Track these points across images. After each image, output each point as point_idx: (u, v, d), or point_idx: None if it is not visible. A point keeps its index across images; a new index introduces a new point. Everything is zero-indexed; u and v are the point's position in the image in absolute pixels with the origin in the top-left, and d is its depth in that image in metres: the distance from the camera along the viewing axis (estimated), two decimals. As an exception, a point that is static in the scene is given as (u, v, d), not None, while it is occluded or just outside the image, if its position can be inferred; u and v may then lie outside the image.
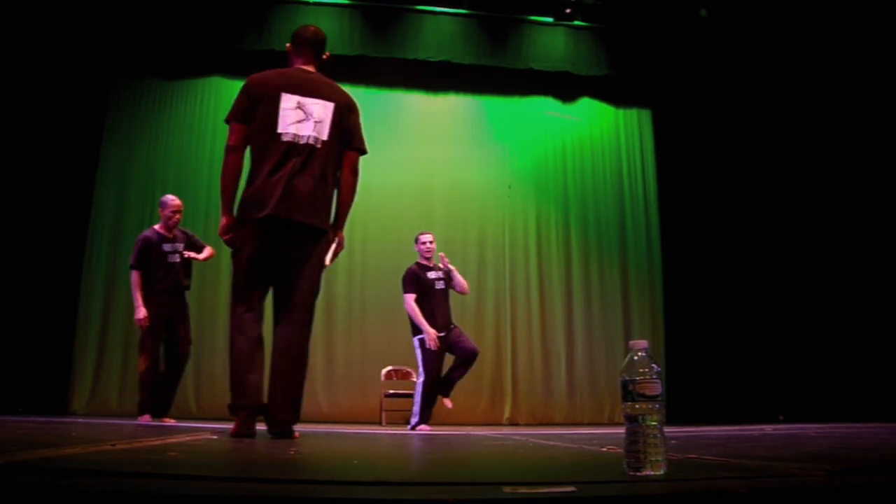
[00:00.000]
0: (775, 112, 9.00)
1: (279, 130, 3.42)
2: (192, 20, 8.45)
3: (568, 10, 9.00)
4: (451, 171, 9.08)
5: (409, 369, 7.95)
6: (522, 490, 1.18)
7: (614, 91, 9.65)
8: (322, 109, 3.49)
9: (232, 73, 9.03)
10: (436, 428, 6.01)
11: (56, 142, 8.10)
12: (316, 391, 8.27)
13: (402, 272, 6.16)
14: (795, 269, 8.77)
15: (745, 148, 9.08)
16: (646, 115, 9.78)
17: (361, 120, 3.67)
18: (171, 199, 6.16)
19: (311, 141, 3.43)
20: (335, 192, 3.58)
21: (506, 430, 6.10)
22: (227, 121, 3.54)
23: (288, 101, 3.46)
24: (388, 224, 8.77)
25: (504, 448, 2.88)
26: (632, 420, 1.44)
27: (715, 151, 9.09)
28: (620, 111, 9.73)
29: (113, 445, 2.19)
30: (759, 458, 1.94)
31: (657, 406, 1.43)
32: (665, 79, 9.31)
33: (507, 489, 1.18)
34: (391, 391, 7.69)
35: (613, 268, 9.16)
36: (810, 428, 4.97)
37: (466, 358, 5.93)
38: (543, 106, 9.53)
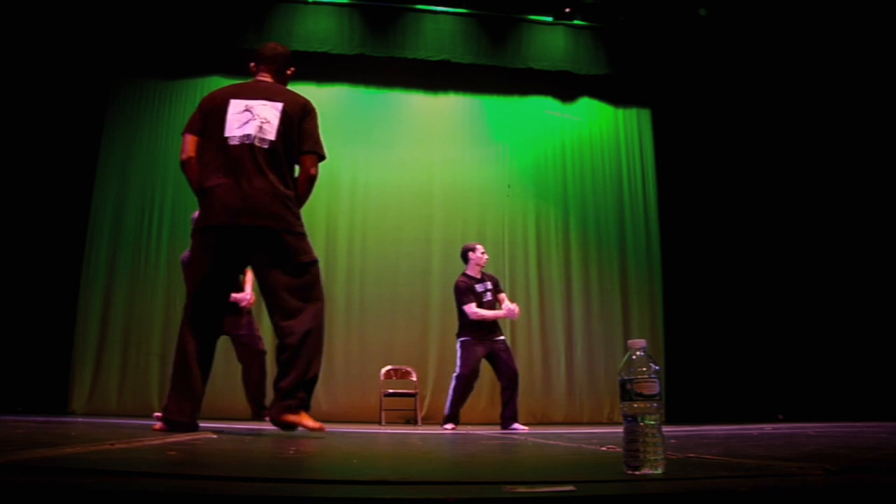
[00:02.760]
0: (775, 111, 9.00)
1: (226, 135, 3.45)
2: (191, 19, 8.44)
3: (567, 10, 9.00)
4: (450, 171, 9.08)
5: (408, 368, 7.96)
6: (522, 489, 1.18)
7: (614, 90, 9.65)
8: (269, 110, 3.51)
9: (232, 72, 8.98)
10: (436, 427, 6.02)
11: (56, 141, 8.09)
12: (315, 390, 8.24)
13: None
14: (795, 268, 8.78)
15: (745, 147, 9.08)
16: (645, 114, 9.77)
17: (319, 124, 3.66)
18: None
19: (255, 142, 3.43)
20: (292, 191, 3.54)
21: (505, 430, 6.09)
22: (182, 133, 3.59)
23: (235, 107, 3.51)
24: (387, 224, 8.78)
25: (503, 447, 2.88)
26: (630, 419, 1.44)
27: (714, 151, 9.09)
28: (620, 110, 9.73)
29: (112, 445, 2.19)
30: (758, 457, 1.94)
31: (655, 405, 1.43)
32: (665, 78, 9.31)
33: (507, 488, 1.18)
34: (390, 390, 7.69)
35: (613, 267, 9.16)
36: (810, 427, 4.98)
37: (510, 379, 5.97)
38: (543, 105, 9.53)
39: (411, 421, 7.71)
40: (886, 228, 8.42)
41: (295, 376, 3.43)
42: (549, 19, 9.11)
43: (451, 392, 6.06)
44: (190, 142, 3.52)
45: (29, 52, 8.02)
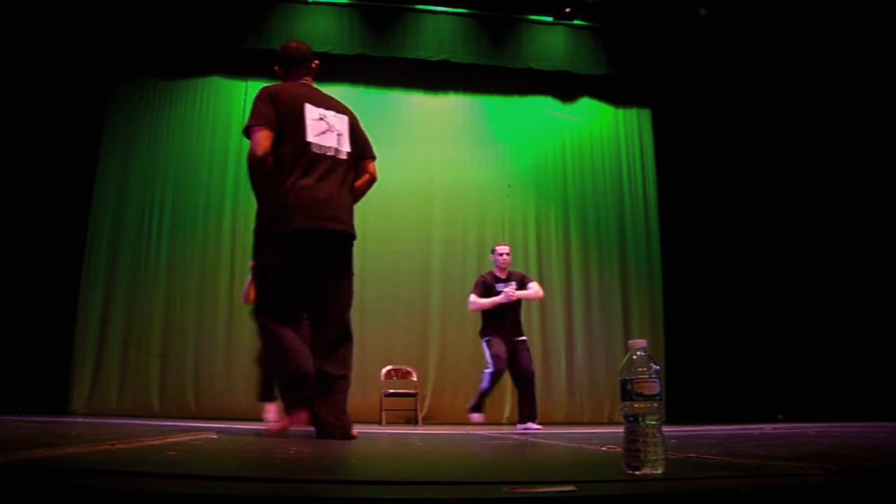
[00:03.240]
0: (775, 111, 9.00)
1: (308, 140, 3.42)
2: (191, 20, 8.44)
3: (568, 10, 9.00)
4: (450, 171, 9.08)
5: (408, 369, 7.96)
6: (522, 489, 1.18)
7: (614, 90, 9.65)
8: (340, 122, 3.59)
9: (231, 72, 9.04)
10: (436, 427, 6.03)
11: (55, 141, 8.09)
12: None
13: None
14: (795, 269, 8.77)
15: (745, 147, 9.08)
16: (645, 114, 9.77)
17: None
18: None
19: (333, 153, 3.49)
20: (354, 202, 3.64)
21: (506, 429, 6.10)
22: (250, 126, 3.40)
23: (311, 112, 3.49)
24: (387, 224, 8.77)
25: (504, 447, 2.88)
26: (631, 419, 1.44)
27: (715, 151, 9.09)
28: (620, 111, 9.73)
29: (112, 445, 2.19)
30: (759, 457, 1.94)
31: (655, 405, 1.43)
32: (665, 78, 9.31)
33: (507, 488, 1.18)
34: (391, 391, 7.68)
35: (613, 267, 9.16)
36: (810, 427, 4.98)
37: (524, 380, 6.09)
38: (543, 105, 9.53)
39: (412, 421, 7.71)
40: (886, 229, 8.41)
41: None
42: (550, 19, 9.11)
43: (482, 386, 6.13)
44: (267, 138, 3.36)
45: (29, 53, 8.02)
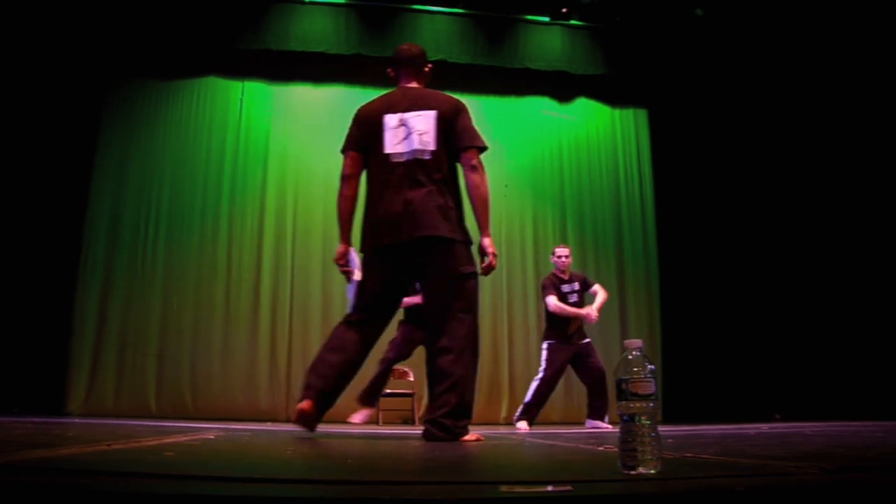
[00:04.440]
0: (771, 110, 9.01)
1: (386, 151, 3.44)
2: (187, 19, 8.44)
3: (564, 10, 9.01)
4: (447, 171, 9.06)
5: (405, 369, 7.94)
6: (519, 489, 1.18)
7: (610, 90, 9.66)
8: (424, 121, 3.46)
9: (228, 72, 9.03)
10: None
11: (52, 142, 8.09)
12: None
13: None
14: (792, 268, 8.79)
15: (742, 147, 9.09)
16: (642, 114, 9.79)
17: (472, 117, 3.62)
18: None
19: (417, 155, 3.40)
20: (458, 197, 3.51)
21: (503, 430, 6.10)
22: (342, 151, 3.60)
23: (390, 121, 3.47)
24: (384, 224, 8.77)
25: (501, 447, 2.88)
26: (626, 419, 1.44)
27: (711, 150, 9.10)
28: (617, 111, 9.74)
29: (109, 445, 2.19)
30: (755, 457, 1.95)
31: (651, 405, 1.43)
32: (661, 78, 9.32)
33: (504, 488, 1.19)
34: (388, 391, 7.66)
35: (610, 267, 9.17)
36: (807, 426, 4.98)
37: (598, 378, 6.15)
38: (540, 105, 9.54)
39: (409, 421, 7.71)
40: (881, 228, 8.42)
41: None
42: (546, 19, 9.12)
43: (530, 393, 6.13)
44: (351, 158, 3.54)
45: (26, 52, 8.00)
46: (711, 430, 4.71)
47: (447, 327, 3.35)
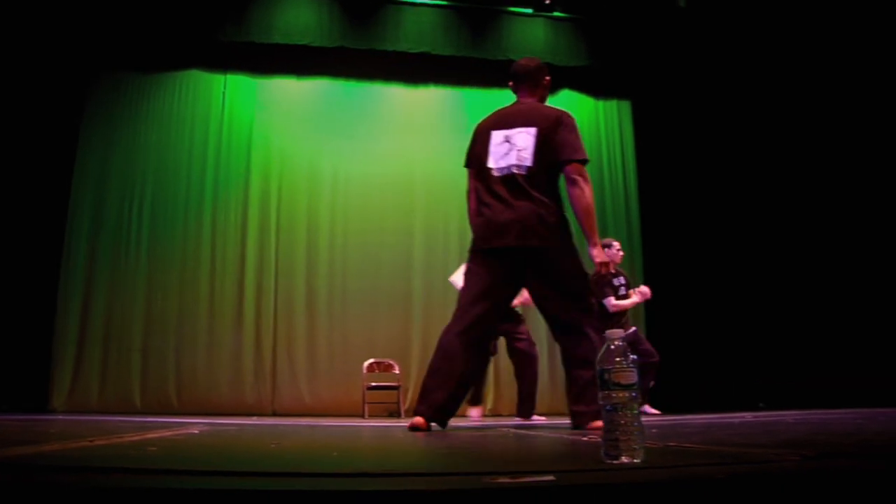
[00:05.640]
0: (755, 102, 9.05)
1: (489, 166, 3.68)
2: (169, 11, 8.37)
3: (547, 1, 9.03)
4: (431, 163, 9.07)
5: (390, 361, 7.96)
6: (501, 480, 1.18)
7: (594, 82, 9.68)
8: (525, 137, 3.66)
9: (210, 65, 8.98)
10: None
11: (32, 136, 8.01)
12: (298, 384, 8.28)
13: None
14: (775, 258, 8.83)
15: (725, 138, 9.13)
16: (625, 106, 9.82)
17: (576, 130, 3.78)
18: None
19: (514, 170, 3.61)
20: (558, 208, 3.67)
21: (488, 421, 6.12)
22: (465, 167, 3.90)
23: (496, 138, 3.72)
24: (368, 216, 8.79)
25: (485, 438, 2.89)
26: (608, 409, 1.45)
27: (695, 142, 9.13)
28: (600, 102, 9.76)
29: (91, 441, 2.18)
30: (737, 445, 1.96)
31: (633, 394, 1.44)
32: (645, 70, 9.35)
33: (487, 479, 1.19)
34: (373, 384, 7.68)
35: (594, 257, 9.18)
36: (790, 415, 5.02)
37: (647, 363, 6.20)
38: (523, 97, 9.52)
39: (395, 414, 7.71)
40: (863, 217, 8.48)
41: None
42: (530, 11, 9.12)
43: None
44: (470, 175, 3.84)
45: (3, 45, 7.91)
46: (695, 419, 4.74)
47: (560, 319, 3.62)
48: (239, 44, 8.56)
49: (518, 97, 3.93)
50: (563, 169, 3.64)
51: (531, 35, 9.13)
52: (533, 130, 3.65)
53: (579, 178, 3.60)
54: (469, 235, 3.79)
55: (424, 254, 8.80)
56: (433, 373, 3.60)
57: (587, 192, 3.61)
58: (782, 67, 8.84)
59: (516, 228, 3.51)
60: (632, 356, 1.47)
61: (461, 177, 9.36)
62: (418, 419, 3.52)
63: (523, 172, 3.59)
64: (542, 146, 3.62)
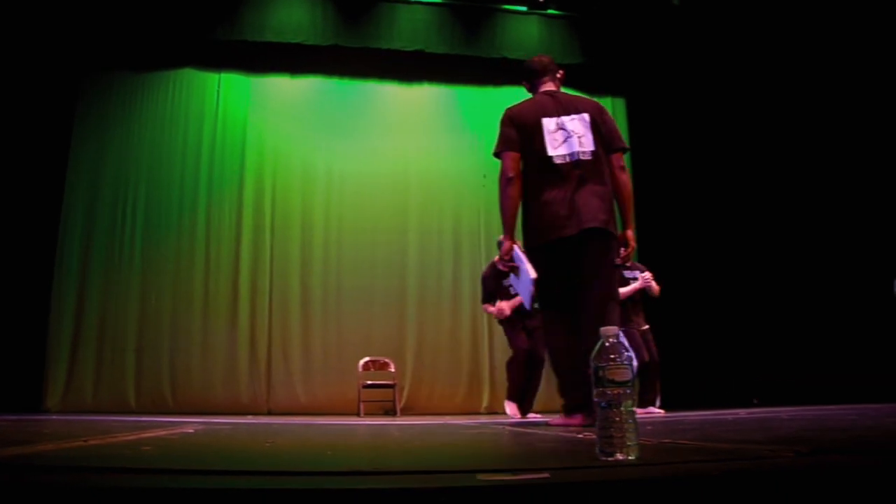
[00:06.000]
0: (749, 99, 9.06)
1: (549, 154, 3.63)
2: (162, 10, 8.34)
3: (541, -1, 9.02)
4: (425, 161, 9.08)
5: (386, 360, 7.96)
6: (497, 477, 1.18)
7: (588, 80, 9.65)
8: (580, 124, 3.70)
9: (203, 64, 8.96)
10: (415, 418, 6.04)
11: (25, 136, 7.98)
12: (293, 383, 8.27)
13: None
14: (770, 256, 8.85)
15: (720, 136, 9.14)
16: (620, 103, 9.81)
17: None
18: None
19: (580, 156, 3.61)
20: (611, 193, 3.68)
21: (484, 419, 6.12)
22: (498, 152, 3.84)
23: (549, 125, 3.69)
24: (362, 213, 8.78)
25: (481, 436, 2.89)
26: (603, 406, 1.45)
27: (689, 139, 9.14)
28: (595, 99, 9.75)
29: (86, 441, 2.17)
30: (731, 442, 1.97)
31: (628, 391, 1.44)
32: (639, 67, 9.35)
33: (481, 476, 1.19)
34: (368, 382, 7.68)
35: (589, 256, 9.18)
36: (784, 411, 5.04)
37: (654, 365, 6.33)
38: (517, 95, 9.37)
39: (390, 412, 7.71)
40: (857, 215, 8.50)
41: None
42: (524, 9, 9.12)
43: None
44: (514, 160, 3.74)
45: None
46: (690, 416, 4.76)
47: (604, 311, 3.49)
48: (232, 42, 8.54)
49: (542, 90, 3.96)
50: (614, 156, 3.74)
51: (525, 33, 9.13)
52: (586, 117, 3.72)
53: (625, 166, 3.76)
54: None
55: (419, 252, 8.80)
56: (561, 374, 3.65)
57: (629, 180, 3.78)
58: (776, 65, 8.86)
59: (583, 214, 3.50)
60: (627, 353, 1.47)
61: (456, 174, 9.41)
62: (579, 419, 3.47)
63: (589, 157, 3.62)
64: (597, 132, 3.70)
